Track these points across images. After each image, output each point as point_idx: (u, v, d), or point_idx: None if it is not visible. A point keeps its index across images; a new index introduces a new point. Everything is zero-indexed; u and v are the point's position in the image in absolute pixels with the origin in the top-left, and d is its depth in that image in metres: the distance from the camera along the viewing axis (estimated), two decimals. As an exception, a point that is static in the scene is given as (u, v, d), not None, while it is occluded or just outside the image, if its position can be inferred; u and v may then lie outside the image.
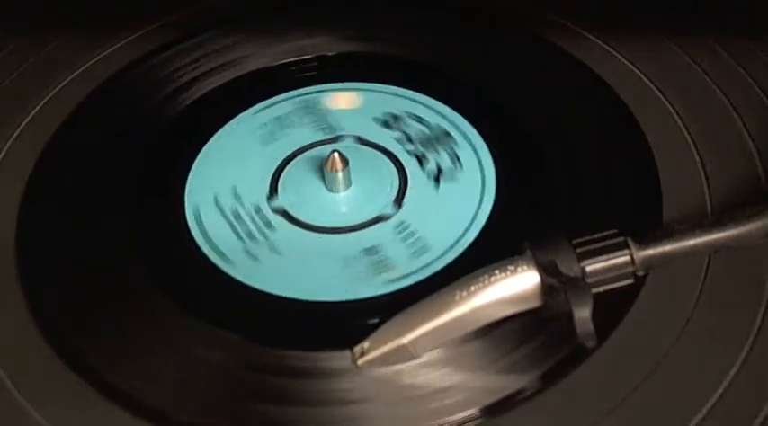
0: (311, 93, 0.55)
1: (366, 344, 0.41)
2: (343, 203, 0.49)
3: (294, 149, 0.51)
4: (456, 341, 0.41)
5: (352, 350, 0.41)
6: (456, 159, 0.50)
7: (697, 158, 0.49)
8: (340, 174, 0.48)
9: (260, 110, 0.54)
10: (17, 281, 0.46)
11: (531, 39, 0.57)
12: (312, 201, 0.49)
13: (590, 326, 0.37)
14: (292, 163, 0.51)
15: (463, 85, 0.54)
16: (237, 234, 0.47)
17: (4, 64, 0.57)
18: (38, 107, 0.54)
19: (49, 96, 0.55)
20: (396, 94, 0.54)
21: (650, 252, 0.40)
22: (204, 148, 0.52)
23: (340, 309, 0.44)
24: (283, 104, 0.54)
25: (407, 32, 0.58)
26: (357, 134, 0.52)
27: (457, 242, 0.46)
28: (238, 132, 0.53)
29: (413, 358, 0.41)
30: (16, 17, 0.61)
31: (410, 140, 0.52)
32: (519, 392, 0.40)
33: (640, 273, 0.40)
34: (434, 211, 0.48)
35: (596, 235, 0.40)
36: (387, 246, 0.46)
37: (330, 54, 0.57)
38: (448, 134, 0.52)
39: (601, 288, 0.40)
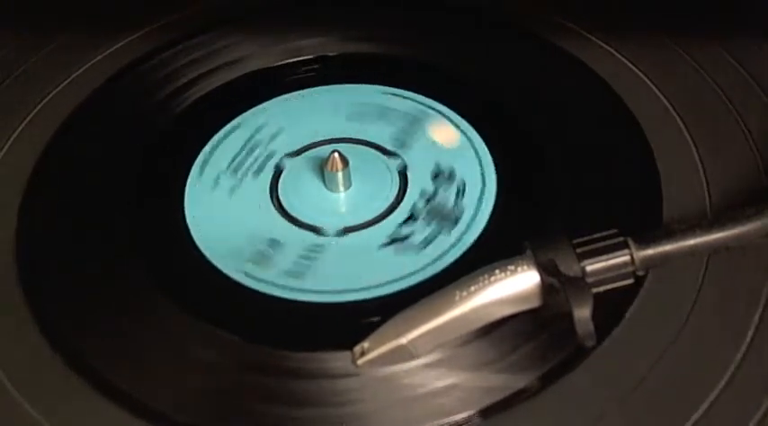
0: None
1: (366, 344, 0.41)
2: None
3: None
4: (456, 342, 0.41)
5: (351, 349, 0.41)
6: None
7: (697, 158, 0.49)
8: (340, 174, 0.48)
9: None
10: (17, 281, 0.46)
11: (531, 39, 0.57)
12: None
13: (590, 326, 0.37)
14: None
15: (463, 85, 0.54)
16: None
17: (4, 64, 0.57)
18: (38, 107, 0.54)
19: (49, 96, 0.55)
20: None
21: (650, 251, 0.40)
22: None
23: (340, 309, 0.44)
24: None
25: (407, 32, 0.58)
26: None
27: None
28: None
29: (413, 358, 0.41)
30: (16, 17, 0.61)
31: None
32: (519, 392, 0.40)
33: (640, 273, 0.40)
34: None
35: (596, 235, 0.40)
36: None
37: (330, 54, 0.57)
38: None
39: (601, 288, 0.40)
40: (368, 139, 0.52)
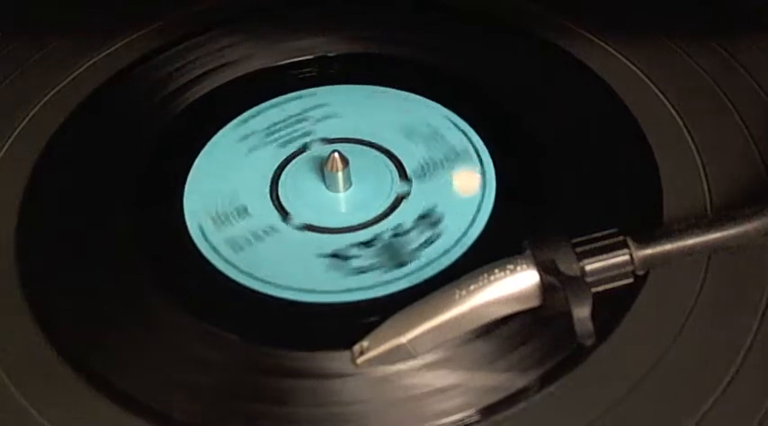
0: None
1: (365, 343, 0.41)
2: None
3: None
4: (456, 341, 0.41)
5: (351, 349, 0.41)
6: (456, 159, 0.50)
7: (697, 158, 0.49)
8: (340, 174, 0.48)
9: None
10: (17, 281, 0.46)
11: (532, 39, 0.57)
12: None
13: (589, 325, 0.37)
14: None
15: (463, 85, 0.54)
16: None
17: (4, 64, 0.57)
18: (38, 107, 0.54)
19: (49, 96, 0.55)
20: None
21: (649, 251, 0.40)
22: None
23: (340, 309, 0.44)
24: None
25: (408, 33, 0.58)
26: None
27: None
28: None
29: (412, 357, 0.41)
30: (16, 17, 0.61)
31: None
32: (519, 392, 0.40)
33: (640, 272, 0.40)
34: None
35: (596, 235, 0.40)
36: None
37: (330, 54, 0.57)
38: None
39: (600, 288, 0.40)
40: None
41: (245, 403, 0.41)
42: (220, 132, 0.52)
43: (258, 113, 0.53)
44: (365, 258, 0.46)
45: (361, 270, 0.45)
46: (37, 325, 0.44)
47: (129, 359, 0.42)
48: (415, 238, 0.47)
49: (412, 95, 0.54)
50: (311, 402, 0.41)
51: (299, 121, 0.53)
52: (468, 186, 0.48)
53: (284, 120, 0.53)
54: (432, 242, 0.46)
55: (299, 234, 0.47)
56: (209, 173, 0.51)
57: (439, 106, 0.53)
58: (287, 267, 0.46)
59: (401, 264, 0.46)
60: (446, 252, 0.46)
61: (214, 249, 0.47)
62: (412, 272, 0.45)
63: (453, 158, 0.50)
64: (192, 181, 0.50)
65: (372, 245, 0.47)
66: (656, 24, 0.57)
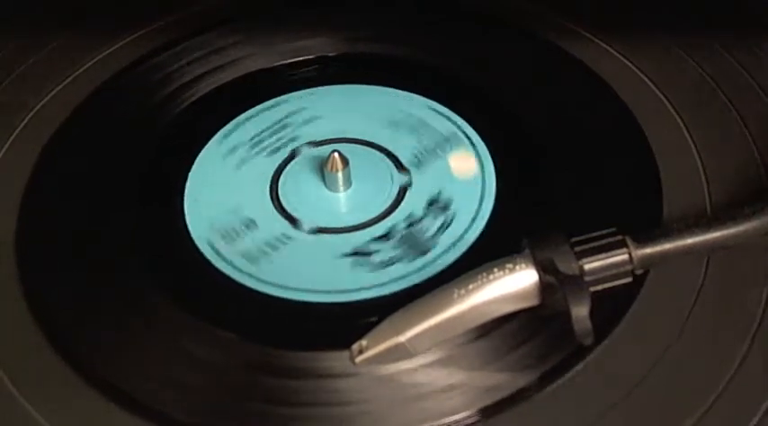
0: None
1: (364, 342, 0.41)
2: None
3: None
4: (456, 341, 0.41)
5: (350, 348, 0.41)
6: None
7: (697, 158, 0.49)
8: (340, 174, 0.48)
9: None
10: (17, 281, 0.46)
11: (532, 39, 0.57)
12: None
13: (587, 324, 0.37)
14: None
15: (463, 86, 0.54)
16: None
17: (4, 64, 0.57)
18: (38, 107, 0.54)
19: (49, 96, 0.55)
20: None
21: (648, 250, 0.40)
22: (204, 148, 0.52)
23: (340, 309, 0.44)
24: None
25: (408, 33, 0.58)
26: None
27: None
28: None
29: (410, 356, 0.41)
30: (16, 17, 0.61)
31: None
32: (519, 392, 0.40)
33: (638, 272, 0.40)
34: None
35: (594, 234, 0.40)
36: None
37: (330, 54, 0.57)
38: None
39: (599, 287, 0.40)
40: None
41: (245, 403, 0.41)
42: (205, 148, 0.52)
43: (239, 125, 0.53)
44: (386, 251, 0.46)
45: (387, 264, 0.46)
46: (37, 325, 0.44)
47: (128, 358, 0.43)
48: (429, 225, 0.47)
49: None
50: (311, 402, 0.41)
51: (283, 128, 0.53)
52: (465, 168, 0.48)
53: (268, 128, 0.53)
54: (447, 225, 0.47)
55: (313, 238, 0.47)
56: (207, 184, 0.51)
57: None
58: (302, 270, 0.46)
59: (424, 252, 0.46)
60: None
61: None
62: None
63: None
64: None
65: (390, 238, 0.47)
66: (657, 24, 0.57)
